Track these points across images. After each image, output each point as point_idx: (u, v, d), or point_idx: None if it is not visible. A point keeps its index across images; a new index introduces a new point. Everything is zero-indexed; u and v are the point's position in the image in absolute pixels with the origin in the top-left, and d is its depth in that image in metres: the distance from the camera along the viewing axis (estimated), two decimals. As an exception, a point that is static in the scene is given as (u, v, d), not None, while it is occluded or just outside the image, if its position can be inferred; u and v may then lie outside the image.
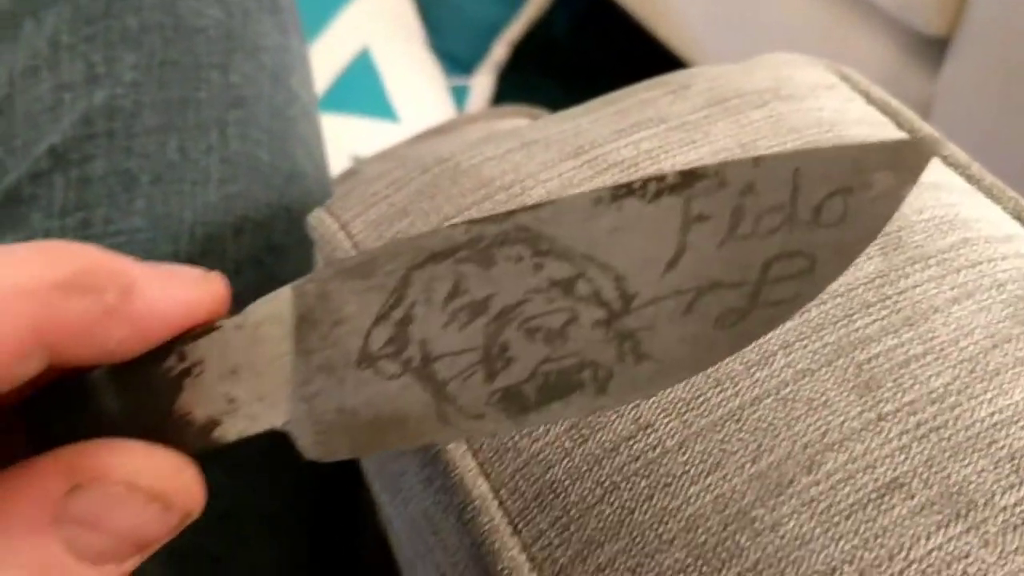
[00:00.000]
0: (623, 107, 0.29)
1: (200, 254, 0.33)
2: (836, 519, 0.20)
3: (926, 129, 0.29)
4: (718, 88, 0.29)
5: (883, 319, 0.23)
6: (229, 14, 0.36)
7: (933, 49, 0.69)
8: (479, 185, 0.27)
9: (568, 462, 0.21)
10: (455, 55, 1.00)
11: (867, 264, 0.24)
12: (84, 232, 0.32)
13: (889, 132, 0.29)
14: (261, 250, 0.34)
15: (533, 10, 1.02)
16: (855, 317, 0.23)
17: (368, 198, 0.28)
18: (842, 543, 0.19)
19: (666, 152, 0.26)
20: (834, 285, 0.24)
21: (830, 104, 0.28)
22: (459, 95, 0.99)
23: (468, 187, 0.27)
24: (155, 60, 0.34)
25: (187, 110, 0.34)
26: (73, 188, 0.32)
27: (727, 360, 0.21)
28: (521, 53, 1.05)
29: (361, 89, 0.94)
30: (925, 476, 0.20)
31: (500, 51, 1.02)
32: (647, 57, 0.93)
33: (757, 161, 0.16)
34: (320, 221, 0.28)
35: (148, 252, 0.32)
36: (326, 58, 0.93)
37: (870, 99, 0.30)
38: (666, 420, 0.21)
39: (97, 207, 0.32)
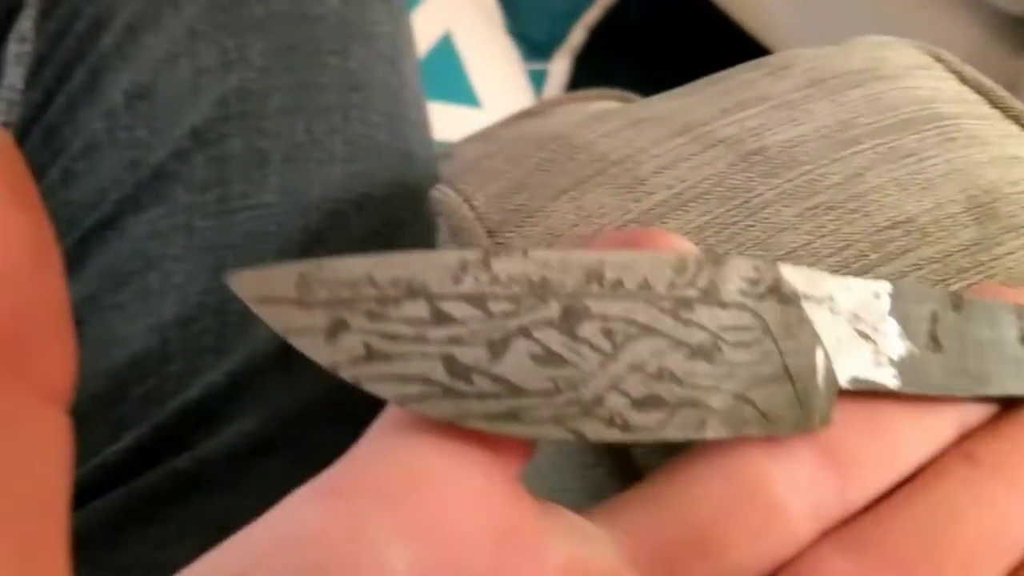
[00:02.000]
0: (725, 87, 0.31)
1: (328, 228, 0.35)
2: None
3: (1018, 106, 0.31)
4: (817, 68, 0.30)
5: (977, 284, 0.25)
6: (345, 2, 0.39)
7: (1018, 28, 0.69)
8: (593, 159, 0.29)
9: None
10: (533, 39, 1.02)
11: (963, 232, 0.26)
12: (222, 206, 0.35)
13: (983, 110, 0.30)
14: (382, 224, 0.37)
15: (611, -6, 1.04)
16: (951, 282, 0.25)
17: (489, 173, 0.30)
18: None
19: (769, 129, 0.28)
20: (930, 251, 0.25)
21: (926, 83, 0.30)
22: (536, 79, 1.01)
23: (583, 161, 0.29)
24: (281, 46, 0.37)
25: (312, 93, 0.37)
26: (212, 165, 0.35)
27: None
28: (597, 37, 1.06)
29: (443, 75, 0.96)
30: None
31: (578, 35, 1.04)
32: (723, 41, 0.94)
33: None
34: (444, 195, 0.31)
35: (281, 225, 0.35)
36: (409, 44, 0.96)
37: (963, 78, 0.31)
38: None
39: (233, 183, 0.35)
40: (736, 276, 0.18)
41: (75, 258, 0.35)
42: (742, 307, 0.17)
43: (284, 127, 0.36)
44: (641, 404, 0.17)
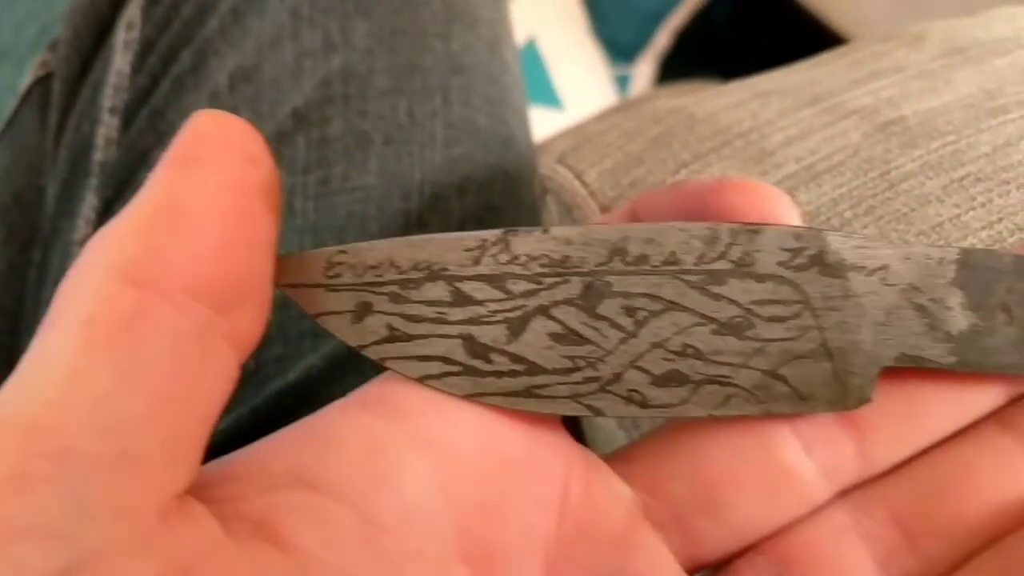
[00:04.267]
0: (856, 58, 0.29)
1: (429, 211, 0.35)
2: None
3: None
4: (956, 38, 0.29)
5: None
6: (449, -13, 0.38)
7: None
8: (716, 132, 0.27)
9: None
10: (618, 43, 1.01)
11: None
12: (324, 188, 0.34)
13: None
14: (482, 209, 0.36)
15: (697, -3, 1.02)
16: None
17: (602, 149, 0.29)
18: None
19: (906, 99, 0.27)
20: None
21: (1075, 52, 0.28)
22: (620, 83, 1.00)
23: (705, 134, 0.27)
24: (385, 29, 0.37)
25: (414, 76, 0.36)
26: (314, 147, 0.35)
27: None
28: (682, 41, 1.05)
29: (528, 77, 0.96)
30: None
31: (662, 39, 1.03)
32: (809, 46, 0.92)
33: None
34: (555, 172, 0.30)
35: (381, 208, 0.34)
36: (494, 47, 0.96)
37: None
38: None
39: (335, 165, 0.35)
40: (774, 246, 0.17)
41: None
42: (779, 279, 0.17)
43: (386, 109, 0.36)
44: (662, 381, 0.17)
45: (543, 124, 0.93)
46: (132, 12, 0.38)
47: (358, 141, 0.35)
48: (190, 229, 0.15)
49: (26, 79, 0.44)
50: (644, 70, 1.02)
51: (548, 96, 0.94)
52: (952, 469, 0.18)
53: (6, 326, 0.40)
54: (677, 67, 1.02)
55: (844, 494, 0.18)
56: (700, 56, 1.03)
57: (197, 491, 0.15)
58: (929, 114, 0.26)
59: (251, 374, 0.33)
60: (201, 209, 0.15)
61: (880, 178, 0.25)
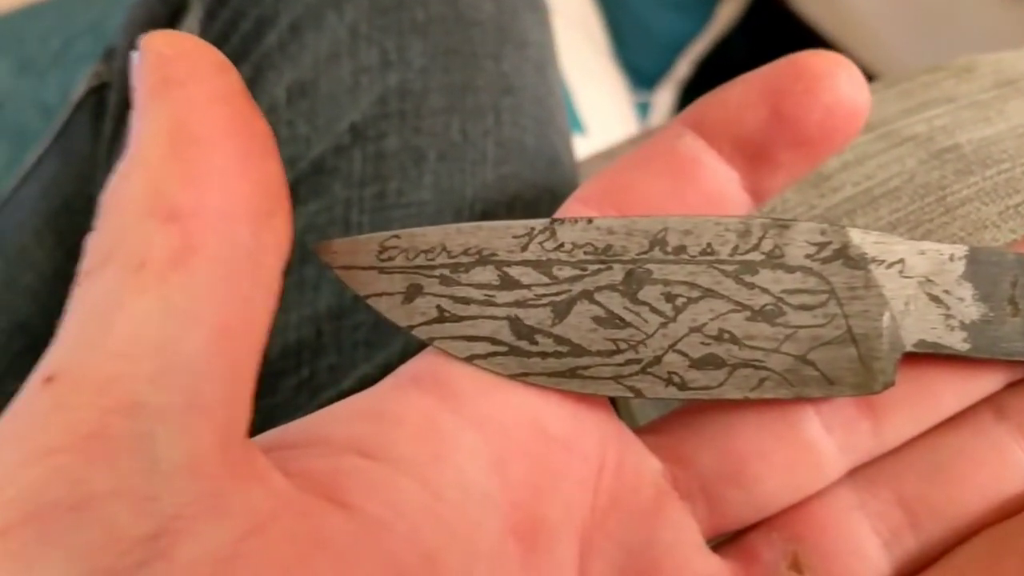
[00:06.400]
0: (905, 88, 0.30)
1: (480, 226, 0.35)
2: None
3: None
4: (1005, 70, 0.29)
5: None
6: (500, 10, 0.39)
7: None
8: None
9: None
10: (640, 69, 1.02)
11: None
12: (379, 202, 0.35)
13: None
14: (530, 226, 0.37)
15: (719, 27, 1.04)
16: None
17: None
18: None
19: (960, 128, 0.28)
20: None
21: (1122, 87, 0.29)
22: (641, 110, 1.01)
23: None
24: (439, 48, 0.37)
25: (467, 95, 0.37)
26: (370, 161, 0.36)
27: None
28: (703, 70, 1.06)
29: (550, 101, 0.96)
30: None
31: (683, 68, 1.04)
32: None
33: None
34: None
35: (434, 223, 0.35)
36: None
37: None
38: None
39: (391, 179, 0.35)
40: (802, 240, 0.18)
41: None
42: (807, 270, 0.18)
43: (440, 126, 0.36)
44: (699, 364, 0.18)
45: (565, 147, 0.94)
46: (191, 24, 0.39)
47: (413, 157, 0.36)
48: (206, 149, 0.15)
49: (78, 89, 0.45)
50: (664, 98, 1.03)
51: (571, 120, 0.95)
52: (951, 454, 0.19)
53: (53, 330, 0.40)
54: (696, 95, 1.03)
55: (851, 473, 0.19)
56: (719, 84, 1.04)
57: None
58: (983, 142, 0.27)
59: (304, 382, 0.34)
60: (207, 126, 0.15)
61: (937, 203, 0.26)
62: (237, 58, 0.38)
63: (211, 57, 0.16)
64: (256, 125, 0.16)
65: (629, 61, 1.03)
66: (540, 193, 0.38)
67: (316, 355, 0.34)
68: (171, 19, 0.40)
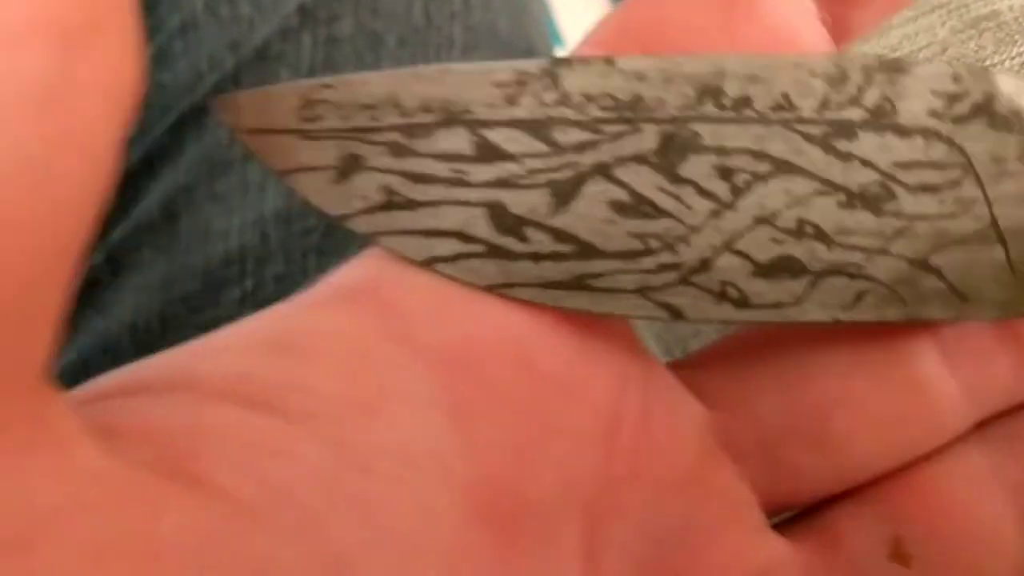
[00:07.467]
0: None
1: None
2: None
3: None
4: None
5: None
6: None
7: None
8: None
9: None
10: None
11: None
12: (331, 92, 0.32)
13: None
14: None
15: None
16: None
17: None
18: None
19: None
20: None
21: None
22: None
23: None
24: (400, -81, 0.34)
25: (431, -28, 0.34)
26: (321, 47, 0.33)
27: None
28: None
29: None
30: None
31: (669, -21, 1.00)
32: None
33: None
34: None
35: (394, 114, 0.32)
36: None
37: None
38: None
39: (344, 67, 0.32)
40: (925, 90, 0.13)
41: (169, 145, 0.32)
42: (932, 134, 0.13)
43: (401, 8, 0.33)
44: (769, 271, 0.13)
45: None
46: None
47: (369, 42, 0.33)
48: None
49: None
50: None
51: (551, 33, 0.91)
52: None
53: None
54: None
55: (981, 428, 0.14)
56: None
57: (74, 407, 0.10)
58: (1025, 10, 0.23)
59: (248, 294, 0.31)
60: None
61: (972, 78, 0.22)
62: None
63: None
64: None
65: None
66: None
67: (261, 264, 0.31)
68: None
